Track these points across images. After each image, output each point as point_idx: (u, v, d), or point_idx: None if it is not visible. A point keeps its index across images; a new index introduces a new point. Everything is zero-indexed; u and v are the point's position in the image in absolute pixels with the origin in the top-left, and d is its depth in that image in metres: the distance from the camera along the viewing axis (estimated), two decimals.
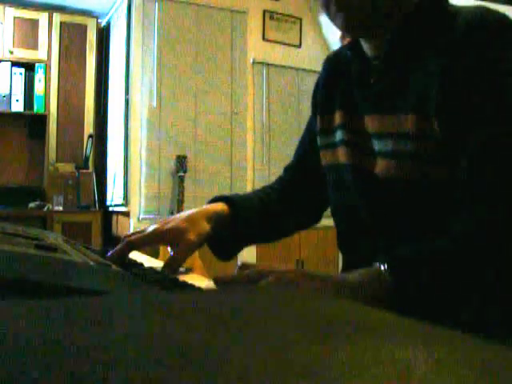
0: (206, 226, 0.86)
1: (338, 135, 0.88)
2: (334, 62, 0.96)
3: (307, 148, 1.01)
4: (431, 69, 0.72)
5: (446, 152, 0.70)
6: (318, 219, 1.07)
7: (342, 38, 0.89)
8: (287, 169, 1.07)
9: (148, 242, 0.85)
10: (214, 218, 0.88)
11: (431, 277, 0.62)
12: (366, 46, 0.82)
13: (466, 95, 0.68)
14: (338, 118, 0.89)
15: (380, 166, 0.77)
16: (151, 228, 0.85)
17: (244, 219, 0.92)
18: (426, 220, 0.73)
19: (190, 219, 0.86)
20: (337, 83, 0.91)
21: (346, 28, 0.77)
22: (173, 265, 0.82)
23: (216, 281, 0.67)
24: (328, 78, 0.95)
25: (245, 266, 0.68)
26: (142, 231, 0.86)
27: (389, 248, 0.69)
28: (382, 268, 0.62)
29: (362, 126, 0.83)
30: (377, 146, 0.79)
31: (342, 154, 0.86)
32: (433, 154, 0.71)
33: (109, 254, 0.82)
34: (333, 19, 0.77)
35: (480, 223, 0.65)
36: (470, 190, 0.67)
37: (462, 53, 0.69)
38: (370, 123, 0.80)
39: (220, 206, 0.91)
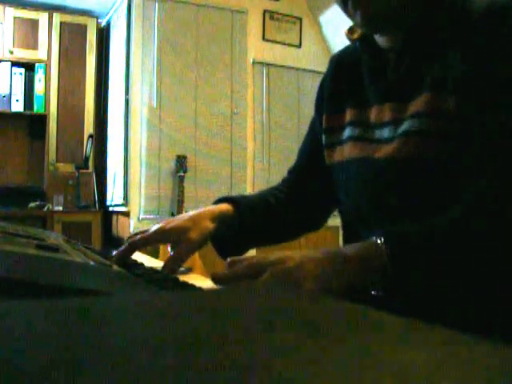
0: (208, 226, 0.86)
1: (347, 132, 0.87)
2: (339, 60, 0.96)
3: (311, 149, 1.00)
4: (451, 53, 0.71)
5: (457, 131, 0.69)
6: (325, 220, 1.06)
7: (349, 33, 0.88)
8: (291, 171, 1.06)
9: (150, 242, 0.85)
10: (218, 218, 0.88)
11: (428, 251, 0.62)
12: (380, 39, 0.82)
13: (491, 77, 0.67)
14: (348, 115, 0.88)
15: (391, 149, 0.77)
16: (154, 228, 0.85)
17: (248, 220, 0.92)
18: (431, 210, 0.72)
19: (193, 219, 0.86)
20: (344, 81, 0.91)
21: (364, 24, 0.77)
22: (173, 264, 0.82)
23: (214, 278, 0.67)
24: (334, 77, 0.95)
25: (234, 261, 0.66)
26: (145, 231, 0.86)
27: None
28: (379, 241, 0.62)
29: (373, 119, 0.82)
30: (389, 133, 0.78)
31: (348, 150, 0.86)
32: (443, 131, 0.70)
33: (113, 254, 0.82)
34: (351, 16, 0.77)
35: (481, 206, 0.65)
36: (476, 173, 0.67)
37: (486, 34, 0.68)
38: (386, 112, 0.80)
39: (225, 207, 0.91)
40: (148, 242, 0.85)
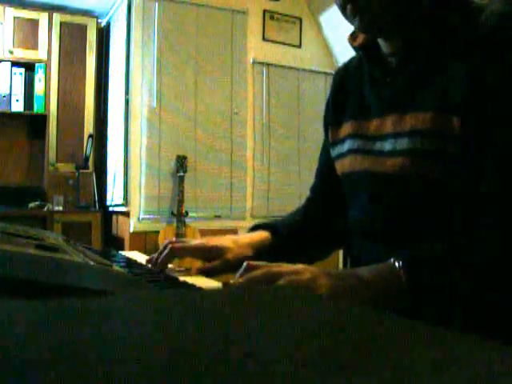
0: (247, 253, 0.89)
1: (347, 145, 0.88)
2: (343, 74, 0.96)
3: (326, 165, 1.00)
4: (455, 67, 0.70)
5: (463, 151, 0.68)
6: None
7: (351, 38, 0.88)
8: (313, 189, 1.07)
9: (191, 254, 0.90)
10: (258, 247, 0.91)
11: (445, 278, 0.62)
12: (382, 43, 0.81)
13: (496, 97, 0.65)
14: (347, 127, 0.89)
15: (393, 165, 0.76)
16: (197, 241, 0.89)
17: (287, 248, 0.95)
18: (437, 222, 0.71)
19: (236, 242, 0.89)
20: (347, 92, 0.91)
21: (363, 29, 0.77)
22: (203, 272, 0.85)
23: (225, 285, 0.67)
24: (337, 92, 0.95)
25: (251, 266, 0.67)
26: (185, 241, 0.91)
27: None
28: (397, 264, 0.62)
29: (373, 131, 0.82)
30: (390, 146, 0.78)
31: (349, 163, 0.86)
32: (449, 153, 0.69)
33: (148, 259, 0.86)
34: (350, 21, 0.76)
35: (500, 238, 0.64)
36: (489, 201, 0.66)
37: (491, 51, 0.66)
38: (386, 124, 0.79)
39: (264, 235, 0.94)
40: (188, 254, 0.89)
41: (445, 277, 0.62)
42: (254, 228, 0.98)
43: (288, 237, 0.95)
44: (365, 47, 0.84)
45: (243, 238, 0.92)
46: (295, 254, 0.98)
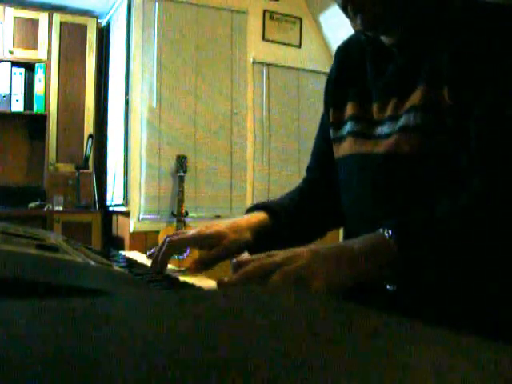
0: (246, 236, 0.87)
1: (348, 127, 0.88)
2: (345, 52, 0.96)
3: (322, 145, 1.01)
4: (443, 44, 0.73)
5: (454, 124, 0.70)
6: None
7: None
8: (309, 169, 1.07)
9: (188, 245, 0.88)
10: (256, 229, 0.90)
11: (437, 240, 0.63)
12: (382, 37, 0.83)
13: (478, 66, 0.68)
14: (349, 109, 0.89)
15: (389, 144, 0.77)
16: (193, 231, 0.88)
17: (285, 229, 0.94)
18: (431, 201, 0.72)
19: (232, 227, 0.88)
20: (349, 74, 0.92)
21: (364, 28, 0.78)
22: (198, 266, 0.83)
23: (220, 284, 0.66)
24: (340, 70, 0.95)
25: (240, 262, 0.65)
26: (183, 233, 0.89)
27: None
28: (386, 235, 0.62)
29: (374, 114, 0.83)
30: (388, 128, 0.79)
31: (348, 146, 0.87)
32: (440, 127, 0.71)
33: (149, 253, 0.86)
34: (351, 20, 0.78)
35: (483, 196, 0.66)
36: (476, 161, 0.68)
37: (468, 28, 0.71)
38: (387, 109, 0.81)
39: (261, 216, 0.93)
40: (186, 245, 0.88)
41: (435, 238, 0.63)
42: (251, 209, 0.97)
43: (285, 217, 0.94)
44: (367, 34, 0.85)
45: (240, 221, 0.90)
46: (293, 235, 0.97)
